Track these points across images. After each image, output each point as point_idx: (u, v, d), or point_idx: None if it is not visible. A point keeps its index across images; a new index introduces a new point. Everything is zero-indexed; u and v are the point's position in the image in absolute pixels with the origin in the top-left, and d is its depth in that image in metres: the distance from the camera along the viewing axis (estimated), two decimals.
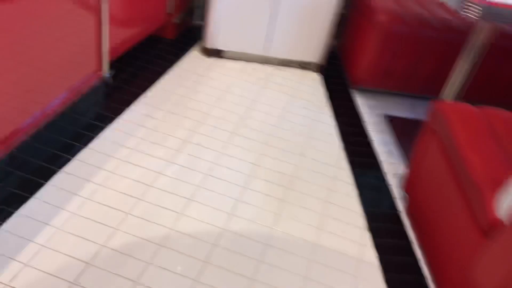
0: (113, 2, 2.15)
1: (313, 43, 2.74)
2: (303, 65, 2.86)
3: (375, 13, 2.48)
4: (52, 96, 1.87)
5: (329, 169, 2.10)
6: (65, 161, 1.84)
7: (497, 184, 1.42)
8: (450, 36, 2.46)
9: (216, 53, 2.78)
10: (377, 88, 2.72)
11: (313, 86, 2.73)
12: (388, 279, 1.65)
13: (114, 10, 2.18)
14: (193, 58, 2.74)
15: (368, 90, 2.75)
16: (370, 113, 2.57)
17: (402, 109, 2.66)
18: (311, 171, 2.06)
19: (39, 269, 1.43)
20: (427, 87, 2.62)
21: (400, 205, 1.99)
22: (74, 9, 1.84)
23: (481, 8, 1.63)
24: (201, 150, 2.05)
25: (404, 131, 2.45)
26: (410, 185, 1.99)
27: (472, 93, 2.30)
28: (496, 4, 1.66)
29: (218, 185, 1.88)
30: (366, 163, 2.19)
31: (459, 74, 2.03)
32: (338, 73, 2.90)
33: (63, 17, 1.79)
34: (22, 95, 1.69)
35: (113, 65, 2.33)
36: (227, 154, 2.06)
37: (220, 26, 2.65)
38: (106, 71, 2.16)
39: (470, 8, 1.65)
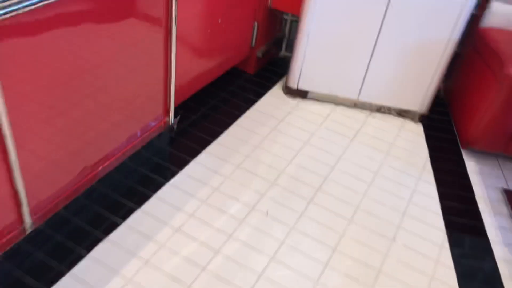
0: (184, 38, 1.89)
1: (417, 88, 2.29)
2: (402, 113, 2.41)
3: (502, 62, 1.98)
4: (110, 145, 1.65)
5: (427, 264, 1.66)
6: (112, 226, 1.61)
7: None
8: None
9: (300, 94, 2.43)
10: (496, 152, 2.20)
11: (413, 141, 2.28)
12: None
13: (184, 48, 1.92)
14: (274, 98, 2.42)
15: (484, 153, 2.24)
16: (485, 184, 2.07)
17: None
18: (403, 265, 1.64)
19: None
20: None
21: None
22: (141, 46, 1.60)
23: None
24: (269, 223, 1.71)
25: None
26: None
27: None
28: None
29: (285, 277, 1.53)
30: (476, 258, 1.71)
31: None
32: (444, 126, 2.42)
33: (129, 53, 1.55)
34: (80, 139, 1.47)
35: (184, 104, 2.09)
36: (299, 231, 1.70)
37: (307, 65, 2.30)
38: (172, 116, 1.91)
39: None
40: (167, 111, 1.88)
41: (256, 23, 2.37)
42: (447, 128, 2.40)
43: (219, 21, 2.06)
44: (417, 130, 2.36)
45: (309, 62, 2.29)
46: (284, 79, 2.54)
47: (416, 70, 2.23)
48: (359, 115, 2.39)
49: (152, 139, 1.90)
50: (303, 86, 2.39)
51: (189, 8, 1.82)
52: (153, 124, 1.84)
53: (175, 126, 1.97)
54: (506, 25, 2.25)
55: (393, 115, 2.42)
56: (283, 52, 2.79)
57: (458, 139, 2.31)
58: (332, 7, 2.11)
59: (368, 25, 2.14)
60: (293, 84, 2.39)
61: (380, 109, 2.42)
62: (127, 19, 1.48)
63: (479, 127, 2.14)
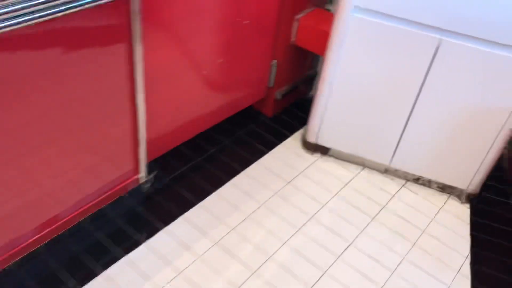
0: (165, 83, 1.57)
1: (466, 163, 1.80)
2: (445, 189, 1.92)
3: None
4: (59, 207, 1.38)
5: None
6: None
7: None
8: None
9: (320, 149, 2.02)
10: None
11: (453, 229, 1.79)
12: None
13: (166, 94, 1.59)
14: (288, 151, 2.03)
15: None
16: None
17: None
18: None
19: None
20: None
21: None
22: (97, 94, 1.30)
23: None
24: None
25: None
26: None
27: None
28: None
29: None
30: None
31: None
32: (500, 212, 1.89)
33: (83, 101, 1.26)
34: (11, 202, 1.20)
35: (175, 152, 1.77)
36: None
37: (328, 118, 1.89)
38: (144, 172, 1.59)
39: None
40: (138, 167, 1.56)
41: (275, 62, 1.99)
42: (503, 215, 1.88)
43: (220, 61, 1.72)
44: (462, 214, 1.86)
45: (331, 114, 1.88)
46: (305, 128, 2.14)
47: (466, 141, 1.74)
48: (390, 184, 1.94)
49: (123, 196, 1.60)
50: (323, 141, 1.97)
51: (170, 50, 1.49)
52: (119, 181, 1.54)
53: (147, 185, 1.65)
54: None
55: (434, 189, 1.94)
56: (313, 92, 2.39)
57: None
58: (362, 51, 1.68)
59: (407, 79, 1.69)
60: (311, 138, 1.99)
61: (417, 180, 1.95)
62: (78, 63, 1.19)
63: None
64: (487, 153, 1.75)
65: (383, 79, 1.72)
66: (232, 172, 1.87)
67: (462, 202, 1.90)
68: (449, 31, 1.53)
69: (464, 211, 1.87)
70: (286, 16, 1.87)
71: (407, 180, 1.96)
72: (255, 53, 1.89)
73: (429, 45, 1.58)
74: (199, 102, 1.78)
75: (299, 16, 1.93)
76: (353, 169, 1.98)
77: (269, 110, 2.18)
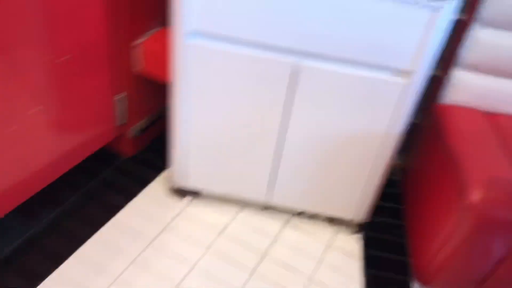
0: None
1: (347, 193, 1.59)
2: (332, 221, 1.71)
3: (463, 181, 1.27)
4: None
5: None
6: None
7: None
8: None
9: (190, 193, 1.72)
10: None
11: (343, 269, 1.57)
12: None
13: None
14: (150, 200, 1.71)
15: None
16: None
17: None
18: None
19: None
20: None
21: None
22: None
23: None
24: None
25: None
26: None
27: None
28: None
29: None
30: None
31: None
32: (393, 238, 1.71)
33: None
34: None
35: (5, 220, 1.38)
36: None
37: (191, 157, 1.59)
38: None
39: None
40: None
41: (121, 96, 1.65)
42: (397, 242, 1.70)
43: (39, 108, 1.35)
44: (353, 249, 1.65)
45: (195, 153, 1.58)
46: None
47: (344, 168, 1.52)
48: (271, 225, 1.68)
49: None
50: (191, 183, 1.67)
51: None
52: None
53: None
54: (476, 101, 1.55)
55: (321, 223, 1.72)
56: None
57: (410, 269, 1.60)
58: (213, 82, 1.39)
59: (269, 110, 1.42)
60: (178, 181, 1.68)
61: (301, 215, 1.72)
62: None
63: (435, 260, 1.43)
64: (368, 178, 1.54)
65: (243, 112, 1.44)
66: (77, 241, 1.51)
67: (352, 234, 1.69)
68: (305, 52, 1.28)
69: (355, 245, 1.66)
70: (120, 43, 1.54)
71: (290, 216, 1.72)
72: (90, 89, 1.53)
73: (286, 71, 1.33)
74: (21, 161, 1.40)
75: (141, 40, 1.60)
76: (229, 211, 1.70)
77: (128, 149, 1.84)
